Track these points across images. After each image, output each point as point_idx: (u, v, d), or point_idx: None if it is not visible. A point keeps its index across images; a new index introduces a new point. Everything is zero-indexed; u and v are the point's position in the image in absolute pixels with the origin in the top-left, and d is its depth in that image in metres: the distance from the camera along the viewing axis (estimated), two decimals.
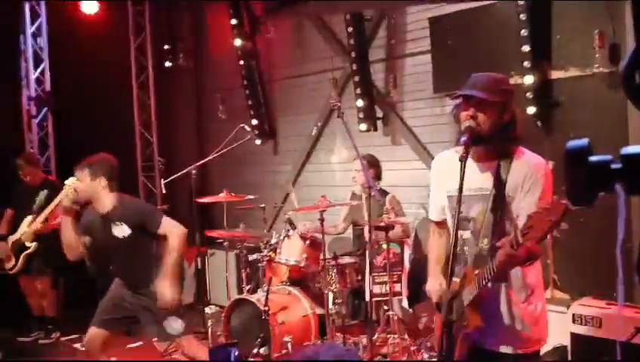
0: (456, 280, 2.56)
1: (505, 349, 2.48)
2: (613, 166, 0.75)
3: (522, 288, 2.49)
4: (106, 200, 3.81)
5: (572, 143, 0.79)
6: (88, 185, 3.76)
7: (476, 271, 2.42)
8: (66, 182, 3.80)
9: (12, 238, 5.55)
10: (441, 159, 2.74)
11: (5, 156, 5.93)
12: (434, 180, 2.77)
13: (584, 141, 0.79)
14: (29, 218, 5.50)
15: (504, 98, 2.45)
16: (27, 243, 5.47)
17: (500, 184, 2.43)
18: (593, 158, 0.77)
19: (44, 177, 5.86)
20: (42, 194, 5.58)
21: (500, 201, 2.42)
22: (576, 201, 0.79)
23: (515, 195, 2.41)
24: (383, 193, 5.22)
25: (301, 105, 7.12)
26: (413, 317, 5.32)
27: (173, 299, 3.70)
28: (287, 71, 7.22)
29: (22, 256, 5.49)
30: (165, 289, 3.69)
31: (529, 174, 2.40)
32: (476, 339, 2.50)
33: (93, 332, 3.93)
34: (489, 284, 2.37)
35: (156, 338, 3.97)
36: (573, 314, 3.96)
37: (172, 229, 3.77)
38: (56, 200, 5.13)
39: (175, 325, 3.81)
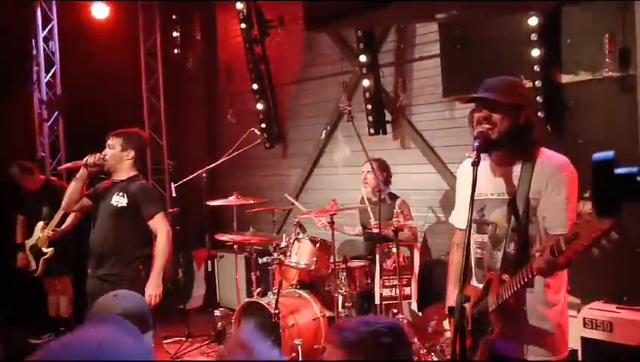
0: (477, 285, 2.56)
1: (535, 357, 2.43)
2: None
3: (553, 293, 2.47)
4: (126, 171, 3.99)
5: (598, 156, 0.81)
6: (117, 154, 3.94)
7: (504, 276, 2.39)
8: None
9: (28, 243, 5.63)
10: (465, 165, 2.73)
11: (18, 159, 5.97)
12: (458, 187, 2.78)
13: (610, 153, 0.80)
14: (41, 224, 5.57)
15: (518, 100, 2.43)
16: (43, 249, 5.52)
17: (522, 188, 2.41)
18: (619, 170, 0.78)
19: (44, 180, 5.88)
20: (48, 199, 5.62)
21: (523, 205, 2.39)
22: (603, 213, 0.81)
23: (540, 197, 2.38)
24: (393, 197, 5.23)
25: (310, 109, 7.15)
26: (422, 321, 5.33)
27: (155, 295, 3.82)
28: (296, 75, 7.24)
29: (41, 261, 5.55)
30: (150, 282, 3.83)
31: (552, 174, 2.37)
32: (501, 348, 2.44)
33: None
34: (520, 289, 2.32)
35: None
36: (584, 318, 3.96)
37: (162, 227, 3.93)
38: (59, 212, 5.24)
39: None
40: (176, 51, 8.31)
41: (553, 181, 2.36)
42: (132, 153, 3.97)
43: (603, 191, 0.78)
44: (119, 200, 3.89)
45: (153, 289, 3.83)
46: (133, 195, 3.90)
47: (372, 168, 4.90)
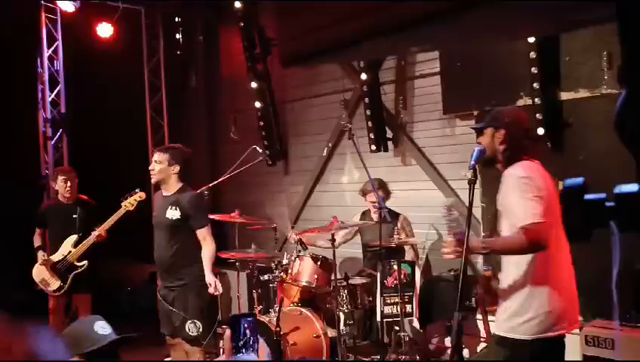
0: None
1: None
2: (607, 204, 0.79)
3: None
4: (174, 185, 4.36)
5: (568, 182, 0.83)
6: (164, 168, 4.32)
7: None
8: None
9: (54, 258, 5.32)
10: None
11: (22, 177, 5.98)
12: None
13: (579, 180, 0.82)
14: (74, 237, 5.31)
15: (493, 125, 2.90)
16: (77, 263, 5.34)
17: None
18: (588, 196, 0.80)
19: (77, 194, 5.68)
20: (81, 214, 5.41)
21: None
22: (573, 237, 0.83)
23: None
24: (394, 214, 5.24)
25: (312, 126, 7.18)
26: (424, 338, 5.31)
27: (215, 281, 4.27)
28: (298, 92, 7.29)
29: (71, 276, 5.29)
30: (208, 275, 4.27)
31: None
32: None
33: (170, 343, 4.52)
34: None
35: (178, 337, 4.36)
36: (586, 336, 3.95)
37: (208, 241, 4.32)
38: (117, 214, 5.03)
39: (193, 328, 4.26)
40: (179, 69, 8.39)
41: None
42: (177, 167, 4.32)
43: (572, 217, 0.80)
44: (173, 213, 4.25)
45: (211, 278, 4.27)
46: (184, 207, 4.25)
47: (374, 188, 4.91)
